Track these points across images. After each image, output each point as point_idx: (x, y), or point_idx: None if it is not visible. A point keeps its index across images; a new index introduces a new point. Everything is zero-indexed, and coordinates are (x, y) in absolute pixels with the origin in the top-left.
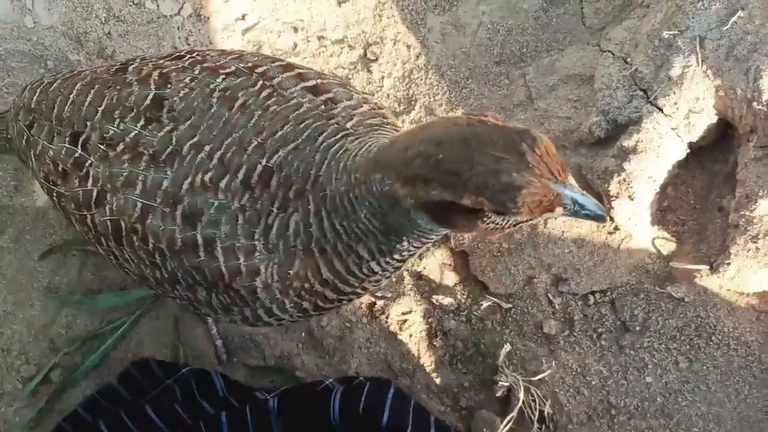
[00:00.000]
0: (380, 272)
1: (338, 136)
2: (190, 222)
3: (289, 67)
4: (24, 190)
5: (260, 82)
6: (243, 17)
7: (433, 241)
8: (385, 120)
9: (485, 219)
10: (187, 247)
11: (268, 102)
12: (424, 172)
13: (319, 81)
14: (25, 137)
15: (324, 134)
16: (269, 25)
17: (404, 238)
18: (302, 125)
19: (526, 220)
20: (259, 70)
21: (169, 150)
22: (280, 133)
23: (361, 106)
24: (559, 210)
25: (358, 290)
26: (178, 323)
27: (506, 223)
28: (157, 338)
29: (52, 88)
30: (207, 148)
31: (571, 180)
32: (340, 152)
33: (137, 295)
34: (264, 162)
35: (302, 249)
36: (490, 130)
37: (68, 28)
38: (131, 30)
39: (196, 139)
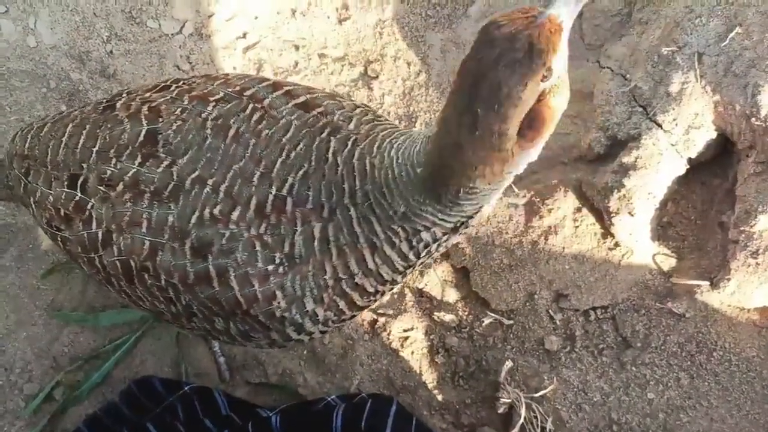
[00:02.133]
0: (434, 251)
1: (349, 146)
2: (200, 254)
3: (277, 85)
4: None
5: (251, 106)
6: (244, 36)
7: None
8: (376, 115)
9: (546, 94)
10: (200, 279)
11: (259, 127)
12: (481, 112)
13: (308, 96)
14: (22, 184)
15: (332, 149)
16: (270, 43)
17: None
18: (300, 148)
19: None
20: (248, 92)
21: (171, 186)
22: (280, 159)
23: (355, 109)
24: (564, 26)
25: (399, 278)
26: (180, 341)
27: (557, 78)
28: (159, 356)
29: (43, 132)
30: (210, 181)
31: (539, 8)
32: (369, 161)
33: (140, 313)
34: (274, 191)
35: (345, 245)
36: (472, 57)
37: (70, 47)
38: (133, 49)
39: (197, 173)
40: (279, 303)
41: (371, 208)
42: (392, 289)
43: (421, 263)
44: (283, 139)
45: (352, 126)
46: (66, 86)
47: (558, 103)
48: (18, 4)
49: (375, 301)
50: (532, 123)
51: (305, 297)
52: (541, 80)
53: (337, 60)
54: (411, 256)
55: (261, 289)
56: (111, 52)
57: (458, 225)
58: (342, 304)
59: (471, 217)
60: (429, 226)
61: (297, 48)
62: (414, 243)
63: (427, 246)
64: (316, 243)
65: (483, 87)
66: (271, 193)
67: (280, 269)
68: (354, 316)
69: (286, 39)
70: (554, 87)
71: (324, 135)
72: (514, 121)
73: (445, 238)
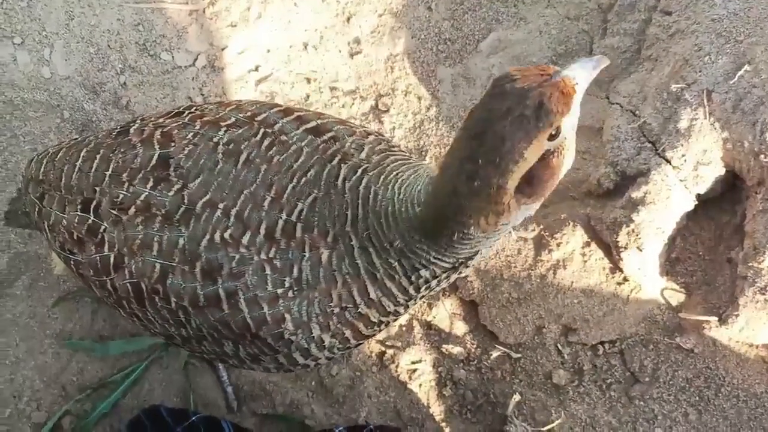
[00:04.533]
0: (435, 286)
1: (359, 173)
2: (210, 277)
3: (288, 111)
4: (38, 237)
5: (261, 131)
6: (256, 68)
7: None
8: (390, 144)
9: (550, 154)
10: (210, 301)
11: (270, 152)
12: (483, 165)
13: (319, 122)
14: (37, 209)
15: (341, 176)
16: (282, 76)
17: (459, 251)
18: (310, 174)
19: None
20: (259, 118)
21: (182, 209)
22: (291, 185)
23: (368, 137)
24: (578, 89)
25: (401, 310)
26: (188, 371)
27: (563, 139)
28: (167, 385)
29: (58, 157)
30: (221, 205)
31: (556, 68)
32: (374, 189)
33: (148, 342)
34: (284, 216)
35: (347, 274)
36: (482, 107)
37: (84, 78)
38: (146, 80)
39: (208, 197)
40: (287, 326)
41: (369, 239)
42: (396, 319)
43: (423, 297)
44: (294, 165)
45: (363, 155)
46: (79, 117)
47: (561, 164)
48: (33, 35)
49: (380, 330)
50: (532, 180)
51: (311, 322)
52: (548, 139)
53: (348, 93)
54: (411, 291)
55: (270, 312)
56: (124, 83)
57: (457, 265)
58: (348, 333)
59: (470, 258)
60: (425, 264)
61: (309, 81)
62: (413, 279)
63: (427, 282)
64: (321, 270)
65: (487, 138)
66: (281, 218)
67: (290, 293)
68: (360, 344)
69: (298, 72)
70: (559, 147)
71: (334, 162)
72: (514, 176)
73: (444, 275)
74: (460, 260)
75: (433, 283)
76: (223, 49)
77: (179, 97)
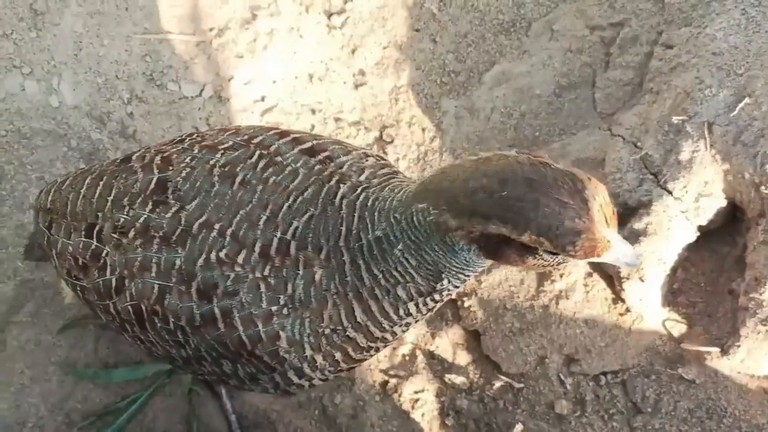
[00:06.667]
0: (415, 313)
1: (358, 191)
2: (206, 296)
3: (285, 133)
4: (44, 265)
5: (257, 152)
6: (262, 99)
7: (469, 279)
8: (393, 169)
9: (537, 256)
10: (206, 320)
11: (266, 174)
12: (485, 207)
13: (314, 142)
14: (46, 237)
15: (339, 194)
16: (288, 107)
17: (443, 275)
18: (307, 194)
19: (566, 261)
20: (256, 140)
21: (179, 231)
22: (287, 204)
23: (367, 159)
24: (606, 255)
25: (388, 336)
26: (192, 398)
27: (554, 261)
28: (171, 413)
29: (64, 186)
30: (217, 226)
31: (615, 227)
32: (372, 202)
33: (152, 369)
34: (279, 234)
35: (336, 294)
36: (553, 173)
37: (92, 108)
38: (153, 110)
39: (204, 218)
40: (281, 343)
41: (361, 250)
42: (385, 346)
43: (407, 325)
44: (291, 186)
45: (363, 177)
46: (86, 146)
47: (530, 266)
48: (42, 65)
49: (370, 356)
50: (499, 251)
51: (304, 342)
52: (545, 250)
53: (352, 124)
54: (393, 315)
55: (265, 329)
56: (131, 113)
57: (430, 290)
58: (337, 356)
59: (437, 283)
60: (402, 274)
61: (314, 112)
62: (392, 300)
63: (405, 304)
64: (313, 289)
65: (510, 190)
66: (275, 236)
67: (284, 311)
68: (352, 368)
69: (303, 103)
70: (545, 262)
71: (332, 182)
72: (485, 233)
73: (421, 300)
74: (431, 283)
75: (411, 306)
76: (229, 80)
77: (185, 127)
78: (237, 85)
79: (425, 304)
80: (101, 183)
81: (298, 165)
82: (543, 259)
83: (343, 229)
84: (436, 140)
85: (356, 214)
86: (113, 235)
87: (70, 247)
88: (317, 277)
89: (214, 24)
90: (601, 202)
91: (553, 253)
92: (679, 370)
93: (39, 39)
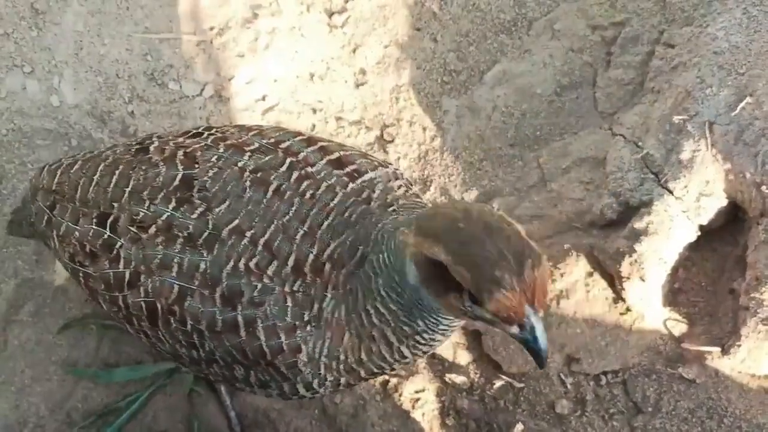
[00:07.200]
0: (410, 356)
1: (390, 221)
2: (230, 303)
3: (312, 140)
4: (44, 263)
5: (288, 160)
6: (263, 98)
7: (451, 329)
8: (407, 190)
9: (459, 296)
10: (228, 327)
11: (302, 187)
12: (440, 232)
13: (342, 153)
14: (46, 218)
15: (379, 225)
16: (289, 106)
17: (414, 311)
18: (347, 214)
19: (483, 319)
20: (283, 145)
21: (206, 234)
22: (326, 223)
23: (390, 181)
24: (514, 328)
25: (387, 370)
26: (192, 398)
27: (470, 311)
28: (171, 413)
29: (74, 169)
30: (249, 234)
31: (542, 314)
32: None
33: (153, 369)
34: (315, 252)
35: (351, 323)
36: (513, 234)
37: (93, 107)
38: (154, 110)
39: (235, 223)
40: (302, 357)
41: (367, 274)
42: (382, 374)
43: (400, 364)
44: (331, 203)
45: (395, 207)
46: (87, 145)
47: (457, 311)
48: (43, 64)
49: (380, 374)
50: (435, 280)
51: (321, 361)
52: (471, 298)
53: (353, 123)
54: (389, 358)
55: (287, 342)
56: (132, 112)
57: (413, 333)
58: (343, 380)
59: (416, 326)
60: (387, 311)
61: (315, 111)
62: (392, 339)
63: (398, 346)
64: (337, 312)
65: (462, 224)
66: (312, 252)
67: (308, 327)
68: (354, 385)
69: (305, 102)
70: (467, 305)
71: (373, 206)
72: (429, 258)
73: (411, 344)
74: (410, 323)
75: (404, 349)
76: (230, 79)
77: (186, 127)
78: (238, 84)
79: (415, 347)
80: (117, 172)
81: (333, 181)
82: (462, 304)
83: (359, 252)
84: (437, 139)
85: (371, 243)
86: (130, 228)
87: (77, 233)
88: (340, 300)
89: (215, 23)
90: (539, 280)
91: (473, 300)
92: (680, 369)
93: (40, 38)
